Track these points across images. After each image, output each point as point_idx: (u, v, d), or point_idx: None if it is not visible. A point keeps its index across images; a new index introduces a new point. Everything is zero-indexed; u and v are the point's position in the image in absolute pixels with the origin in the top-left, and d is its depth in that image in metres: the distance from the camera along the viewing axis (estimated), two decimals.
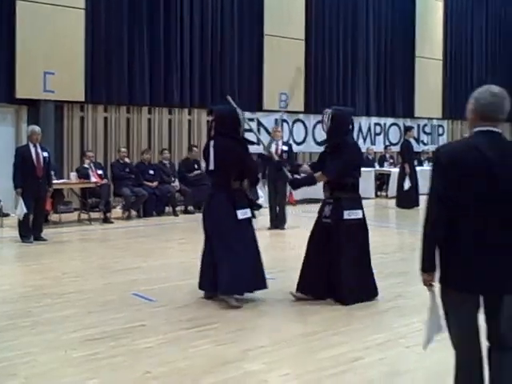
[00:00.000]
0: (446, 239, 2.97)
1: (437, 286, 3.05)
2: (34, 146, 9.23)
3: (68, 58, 12.34)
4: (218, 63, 14.84)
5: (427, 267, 3.03)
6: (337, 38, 17.20)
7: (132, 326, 5.01)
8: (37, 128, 9.50)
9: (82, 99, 12.77)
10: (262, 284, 5.83)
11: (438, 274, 3.04)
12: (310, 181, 5.94)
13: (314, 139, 16.63)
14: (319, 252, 5.75)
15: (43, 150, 9.36)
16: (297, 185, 6.13)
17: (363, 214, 5.81)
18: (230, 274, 5.61)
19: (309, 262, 5.85)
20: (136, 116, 13.84)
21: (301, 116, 16.42)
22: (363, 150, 17.61)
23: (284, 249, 9.31)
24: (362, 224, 5.79)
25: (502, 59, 21.97)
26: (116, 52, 13.32)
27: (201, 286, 5.94)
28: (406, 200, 13.67)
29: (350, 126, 5.97)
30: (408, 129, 14.67)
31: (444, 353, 4.41)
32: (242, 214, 5.74)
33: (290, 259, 8.46)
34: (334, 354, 4.38)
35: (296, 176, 6.24)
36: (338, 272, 5.66)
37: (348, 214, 5.68)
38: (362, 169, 6.46)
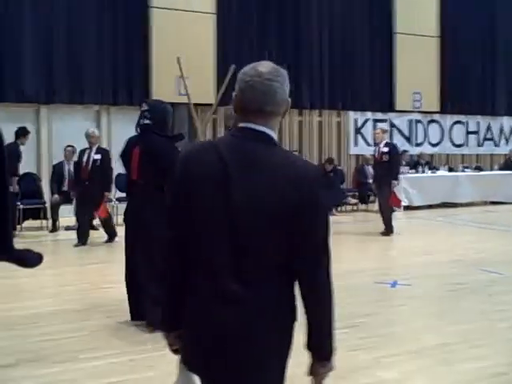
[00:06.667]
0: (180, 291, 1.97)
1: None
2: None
3: (199, 62, 12.58)
4: (347, 63, 14.63)
5: (168, 326, 2.05)
6: (479, 33, 16.27)
7: None
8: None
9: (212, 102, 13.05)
10: None
11: None
12: None
13: (451, 140, 15.90)
14: None
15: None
16: None
17: None
18: None
19: None
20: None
21: (436, 116, 15.79)
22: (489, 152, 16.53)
23: None
24: None
25: None
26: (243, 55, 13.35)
27: None
28: None
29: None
30: None
31: None
32: None
33: None
34: (472, 367, 4.09)
35: None
36: None
37: None
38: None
